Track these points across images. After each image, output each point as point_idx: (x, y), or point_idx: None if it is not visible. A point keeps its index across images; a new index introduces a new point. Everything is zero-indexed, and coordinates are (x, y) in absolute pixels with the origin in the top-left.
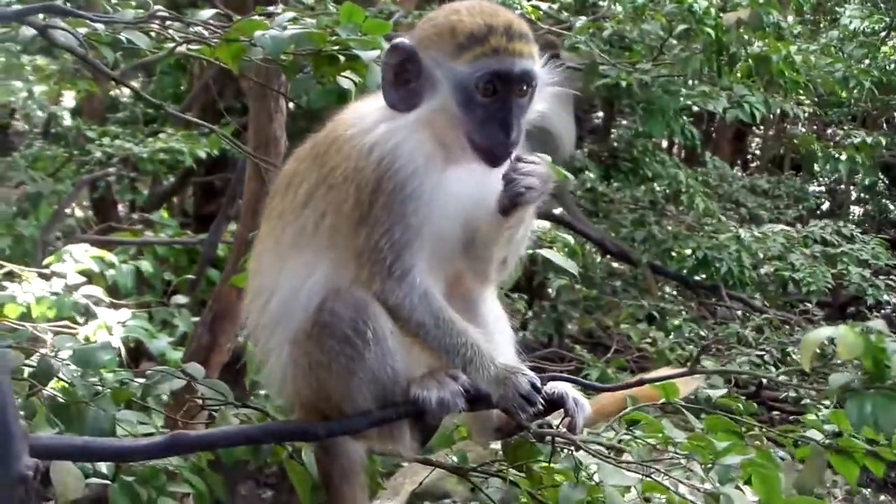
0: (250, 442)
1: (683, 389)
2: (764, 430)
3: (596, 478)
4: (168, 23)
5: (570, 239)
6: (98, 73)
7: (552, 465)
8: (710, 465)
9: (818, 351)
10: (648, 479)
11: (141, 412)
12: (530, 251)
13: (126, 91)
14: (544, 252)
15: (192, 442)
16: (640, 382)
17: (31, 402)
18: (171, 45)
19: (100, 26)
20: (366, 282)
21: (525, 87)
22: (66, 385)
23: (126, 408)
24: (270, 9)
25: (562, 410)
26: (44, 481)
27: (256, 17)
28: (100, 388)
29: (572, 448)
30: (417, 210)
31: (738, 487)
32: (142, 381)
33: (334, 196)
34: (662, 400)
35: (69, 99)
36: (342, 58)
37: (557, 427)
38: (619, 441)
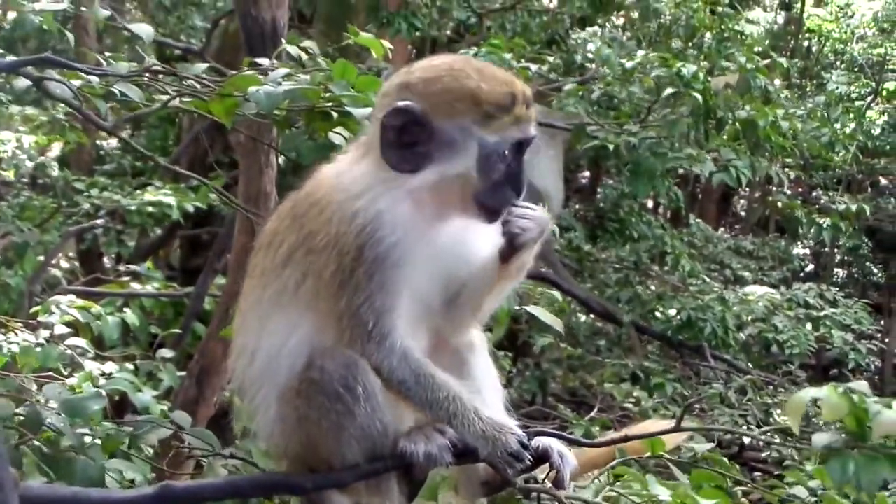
0: (239, 494)
1: (667, 445)
2: (750, 485)
3: None
4: (161, 76)
5: (558, 296)
6: (91, 125)
7: None
8: None
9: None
10: None
11: (129, 461)
12: (517, 308)
13: (113, 143)
14: (531, 308)
15: (181, 493)
16: (626, 439)
17: (21, 450)
18: (165, 97)
19: (94, 79)
20: (348, 343)
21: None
22: (53, 434)
23: (111, 457)
24: (262, 61)
25: (547, 465)
26: None
27: (249, 73)
28: (89, 437)
29: None
30: (399, 277)
31: None
32: (129, 429)
33: (314, 259)
34: (648, 454)
35: (56, 150)
36: (335, 114)
37: (543, 481)
38: (605, 499)
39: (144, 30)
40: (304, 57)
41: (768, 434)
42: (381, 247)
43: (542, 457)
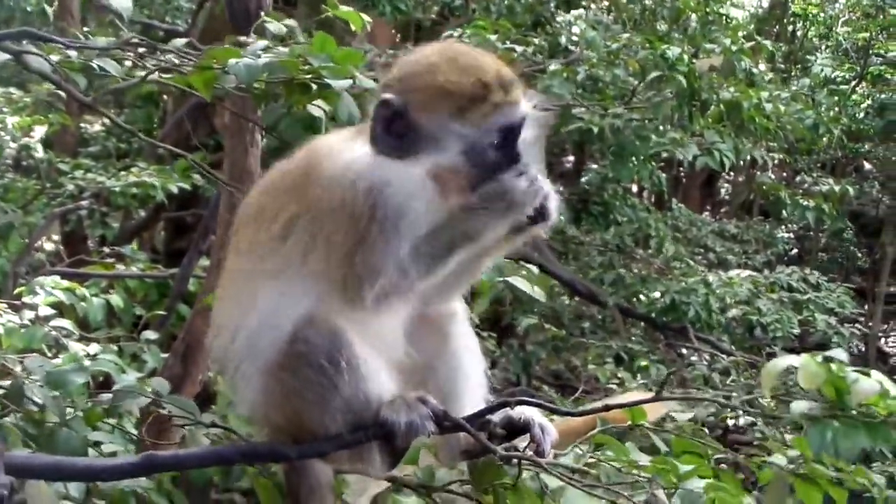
0: (223, 462)
1: (649, 417)
2: (730, 453)
3: (561, 501)
4: (141, 51)
5: (535, 269)
6: (72, 99)
7: (516, 486)
8: (673, 489)
9: (780, 381)
10: (613, 502)
11: (110, 433)
12: (499, 280)
13: (97, 126)
14: (512, 279)
15: (165, 462)
16: (607, 408)
17: (3, 423)
18: (143, 72)
19: (73, 53)
20: (353, 304)
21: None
22: (36, 408)
23: (95, 430)
24: (242, 39)
25: (528, 436)
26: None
27: (229, 46)
28: (71, 410)
29: (538, 471)
30: (407, 232)
31: None
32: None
33: (322, 226)
34: (629, 423)
35: (39, 132)
36: (314, 86)
37: (524, 451)
38: (585, 464)
39: (123, 4)
40: (285, 32)
41: (744, 403)
42: (391, 205)
43: (523, 428)
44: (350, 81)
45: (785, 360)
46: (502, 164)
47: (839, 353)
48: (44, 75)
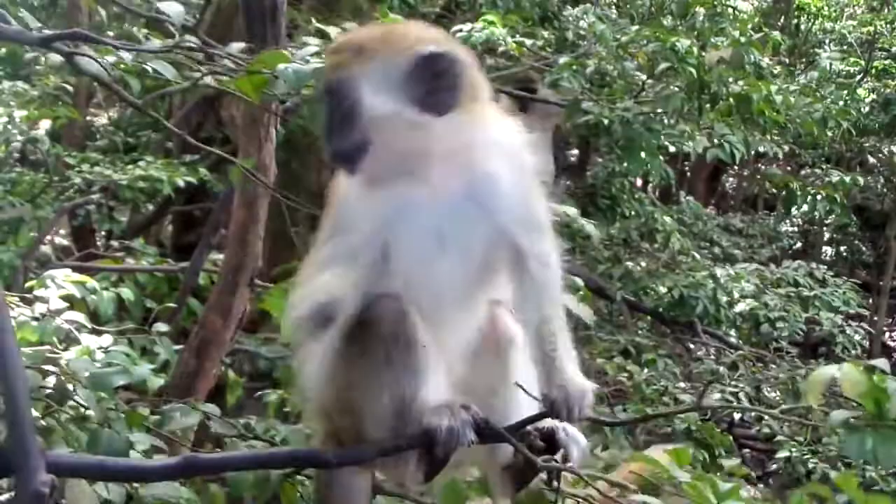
0: (262, 466)
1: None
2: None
3: None
4: (194, 54)
5: (580, 282)
6: (125, 101)
7: None
8: None
9: (822, 390)
10: None
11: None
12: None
13: (104, 120)
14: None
15: (205, 464)
16: (646, 418)
17: (46, 421)
18: (195, 75)
19: (126, 55)
20: None
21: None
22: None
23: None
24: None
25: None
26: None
27: (279, 51)
28: (113, 412)
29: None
30: None
31: None
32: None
33: None
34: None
35: (45, 125)
36: None
37: (552, 460)
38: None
39: (173, 8)
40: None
41: (786, 413)
42: None
43: (548, 436)
44: None
45: (829, 370)
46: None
47: (881, 363)
48: (95, 77)
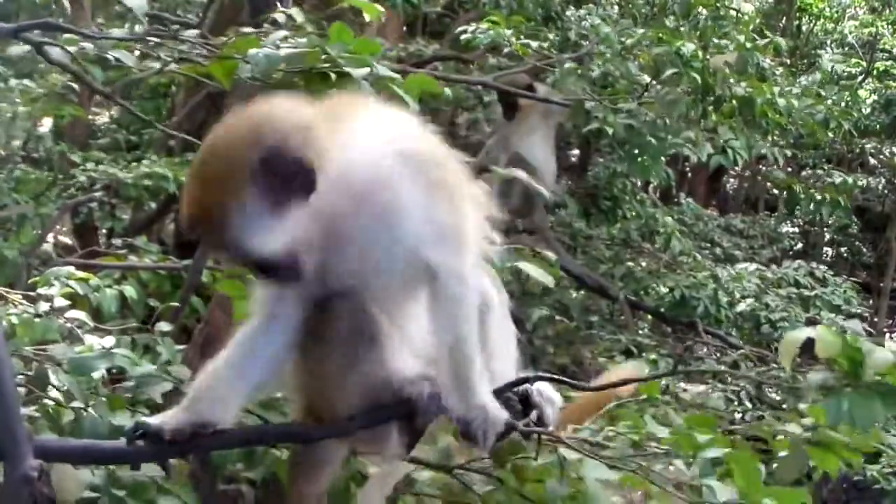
0: (248, 444)
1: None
2: (743, 425)
3: (578, 473)
4: (159, 42)
5: (552, 256)
6: (89, 90)
7: (537, 460)
8: (691, 459)
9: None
10: (630, 472)
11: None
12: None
13: (106, 118)
14: (521, 264)
15: (192, 444)
16: (623, 382)
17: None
18: (159, 63)
19: (88, 45)
20: None
21: None
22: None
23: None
24: (246, 30)
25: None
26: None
27: (249, 34)
28: (94, 395)
29: (556, 445)
30: None
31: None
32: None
33: None
34: (644, 396)
35: (48, 123)
36: (333, 75)
37: (528, 423)
38: (604, 438)
39: (137, 2)
40: (302, 19)
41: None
42: None
43: (524, 398)
44: (368, 70)
45: (803, 332)
46: None
47: (854, 325)
48: (64, 67)
